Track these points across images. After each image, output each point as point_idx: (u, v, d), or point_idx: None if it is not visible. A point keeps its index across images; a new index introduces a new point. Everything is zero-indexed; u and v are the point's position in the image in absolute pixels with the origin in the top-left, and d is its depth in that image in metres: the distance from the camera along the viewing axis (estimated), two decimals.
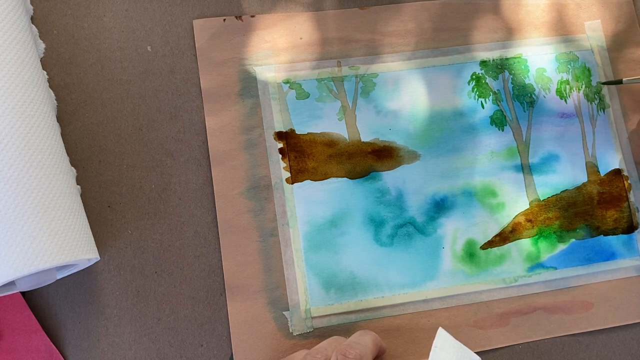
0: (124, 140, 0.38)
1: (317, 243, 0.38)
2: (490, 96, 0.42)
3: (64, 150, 0.34)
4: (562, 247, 0.41)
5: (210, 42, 0.40)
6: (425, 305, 0.39)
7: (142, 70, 0.39)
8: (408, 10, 0.43)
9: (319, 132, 0.40)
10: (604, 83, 0.43)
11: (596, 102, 0.43)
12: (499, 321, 0.39)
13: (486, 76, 0.42)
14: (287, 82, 0.40)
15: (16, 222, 0.29)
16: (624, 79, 0.41)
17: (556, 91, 0.43)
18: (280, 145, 0.39)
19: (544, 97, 0.43)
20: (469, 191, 0.41)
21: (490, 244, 0.40)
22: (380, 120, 0.41)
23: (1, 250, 0.29)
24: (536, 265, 0.40)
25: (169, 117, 0.39)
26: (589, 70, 0.44)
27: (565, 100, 0.43)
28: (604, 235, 0.41)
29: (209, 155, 0.39)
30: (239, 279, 0.37)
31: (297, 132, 0.40)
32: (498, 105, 0.42)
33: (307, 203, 0.39)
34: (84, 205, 0.36)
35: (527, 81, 0.43)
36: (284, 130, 0.40)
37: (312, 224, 0.39)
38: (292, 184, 0.39)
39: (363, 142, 0.40)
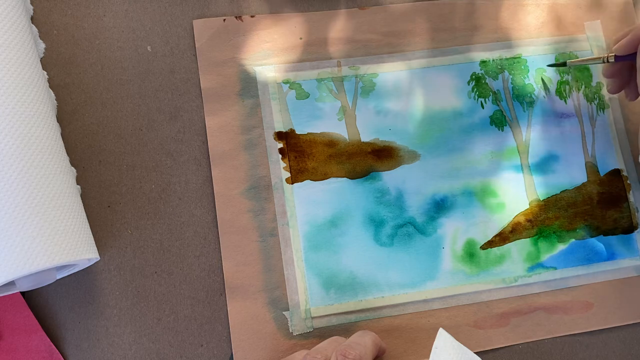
0: (124, 140, 0.38)
1: (317, 243, 0.38)
2: (490, 96, 0.42)
3: (64, 150, 0.34)
4: (562, 247, 0.41)
5: (210, 42, 0.40)
6: (425, 305, 0.39)
7: (142, 70, 0.39)
8: (408, 10, 0.43)
9: (319, 132, 0.40)
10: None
11: (596, 102, 0.43)
12: (499, 321, 0.39)
13: (486, 76, 0.42)
14: (287, 82, 0.40)
15: (16, 222, 0.29)
16: (567, 62, 0.42)
17: (556, 91, 0.43)
18: (280, 145, 0.39)
19: (544, 97, 0.43)
20: (469, 191, 0.41)
21: (490, 244, 0.40)
22: (380, 120, 0.41)
23: (1, 250, 0.29)
24: (536, 265, 0.40)
25: (169, 117, 0.39)
26: (588, 70, 0.44)
27: (565, 101, 0.43)
28: (604, 235, 0.41)
29: (209, 155, 0.39)
30: (239, 279, 0.37)
31: (297, 132, 0.40)
32: (498, 105, 0.42)
33: (307, 203, 0.39)
34: (84, 205, 0.36)
35: (527, 81, 0.43)
36: (284, 130, 0.40)
37: (312, 224, 0.39)
38: (292, 184, 0.39)
39: (363, 142, 0.40)
